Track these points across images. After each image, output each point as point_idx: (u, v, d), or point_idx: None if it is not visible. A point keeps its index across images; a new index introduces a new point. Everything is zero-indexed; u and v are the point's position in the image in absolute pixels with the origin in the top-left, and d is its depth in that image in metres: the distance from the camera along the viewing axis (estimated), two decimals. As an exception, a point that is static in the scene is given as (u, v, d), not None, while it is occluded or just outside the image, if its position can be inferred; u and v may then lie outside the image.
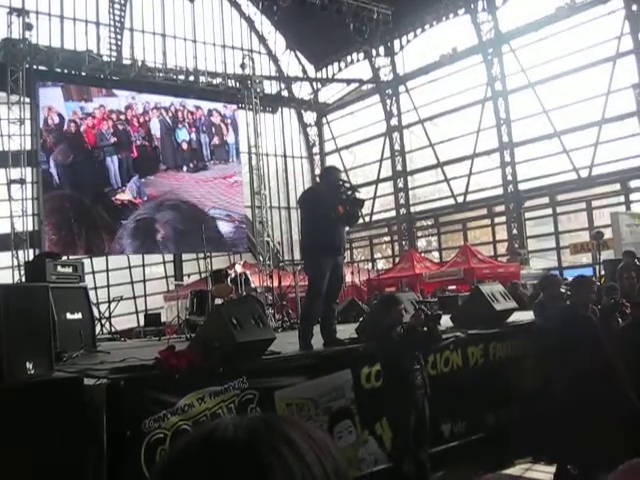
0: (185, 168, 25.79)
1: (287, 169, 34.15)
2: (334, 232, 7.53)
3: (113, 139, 24.03)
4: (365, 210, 26.32)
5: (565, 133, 24.95)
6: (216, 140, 26.82)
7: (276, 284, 16.58)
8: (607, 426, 5.93)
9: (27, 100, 22.13)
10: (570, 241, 23.88)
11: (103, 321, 14.38)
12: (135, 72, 24.69)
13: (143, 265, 27.97)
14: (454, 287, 21.60)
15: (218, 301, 12.55)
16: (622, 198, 23.90)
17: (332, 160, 32.93)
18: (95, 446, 4.83)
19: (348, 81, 32.66)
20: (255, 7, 30.85)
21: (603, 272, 14.04)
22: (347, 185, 7.90)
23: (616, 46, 23.40)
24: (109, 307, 15.02)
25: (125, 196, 23.99)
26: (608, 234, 18.81)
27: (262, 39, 32.94)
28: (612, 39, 23.45)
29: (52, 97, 23.08)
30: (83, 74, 23.97)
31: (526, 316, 9.17)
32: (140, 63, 25.38)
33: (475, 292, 9.45)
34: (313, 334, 7.45)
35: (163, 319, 18.64)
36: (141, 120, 24.83)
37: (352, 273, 21.18)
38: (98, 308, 14.81)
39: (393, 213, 31.58)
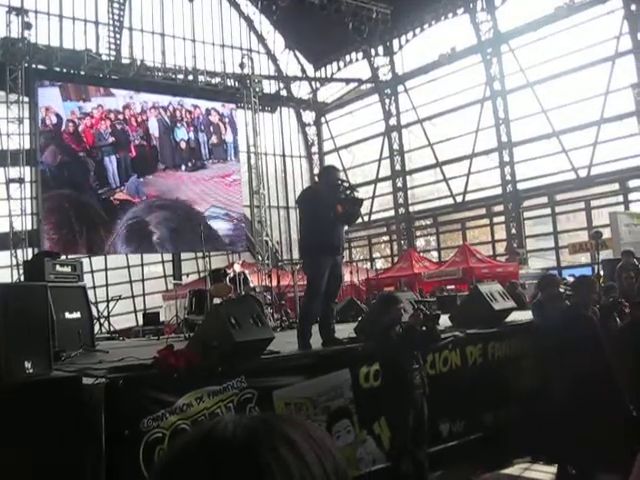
0: (183, 167, 25.78)
1: (286, 168, 34.15)
2: (333, 232, 7.53)
3: (111, 139, 24.02)
4: (364, 210, 26.27)
5: (564, 133, 24.96)
6: (214, 139, 26.81)
7: (275, 283, 16.57)
8: (606, 427, 5.93)
9: (26, 99, 22.12)
10: (569, 241, 23.90)
11: (102, 320, 14.39)
12: (134, 71, 24.69)
13: (142, 264, 27.95)
14: (453, 287, 21.61)
15: (217, 300, 12.53)
16: (621, 198, 23.93)
17: (331, 159, 32.94)
18: (93, 445, 4.82)
19: (347, 80, 32.67)
20: (254, 6, 30.85)
21: (602, 272, 14.03)
22: (346, 184, 7.90)
23: (615, 46, 23.42)
24: (108, 306, 15.04)
25: (124, 196, 23.96)
26: (607, 234, 18.80)
27: (261, 38, 32.93)
28: (611, 39, 23.47)
29: (50, 97, 23.04)
30: (82, 73, 23.96)
31: (525, 316, 9.17)
32: (139, 62, 25.38)
33: (474, 292, 9.45)
34: (312, 333, 7.44)
35: (162, 318, 18.62)
36: (139, 120, 24.82)
37: (351, 272, 21.20)
38: (97, 307, 14.82)
39: (392, 213, 31.59)
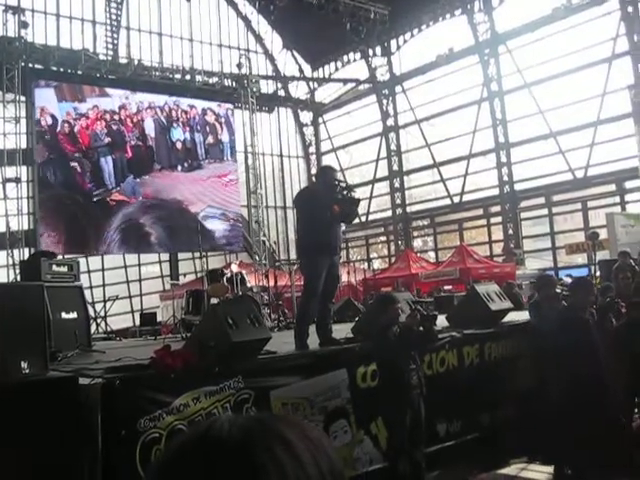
0: (180, 167, 25.75)
1: (283, 169, 34.15)
2: (330, 232, 7.53)
3: (107, 139, 23.96)
4: (361, 210, 26.32)
5: (561, 134, 24.99)
6: (210, 139, 26.78)
7: (272, 284, 16.57)
8: (602, 429, 5.94)
9: (22, 99, 22.09)
10: (566, 241, 23.92)
11: (99, 320, 14.37)
12: (131, 71, 24.67)
13: (139, 264, 27.94)
14: (450, 287, 21.62)
15: (214, 301, 12.54)
16: (617, 199, 23.97)
17: (328, 160, 32.94)
18: (90, 446, 4.82)
19: (345, 81, 32.68)
20: (252, 6, 30.87)
21: (598, 272, 14.05)
22: (343, 185, 7.90)
23: (612, 47, 23.46)
24: (104, 306, 15.01)
25: (120, 196, 23.93)
26: (603, 234, 18.83)
27: (259, 38, 32.93)
28: (608, 40, 23.51)
29: (45, 98, 22.98)
30: (79, 73, 23.91)
31: (521, 316, 9.17)
32: (136, 62, 25.36)
33: (471, 292, 9.45)
34: (309, 334, 7.44)
35: (159, 318, 18.63)
36: (135, 120, 24.77)
37: (348, 273, 21.23)
38: (94, 307, 14.77)
39: (389, 213, 31.60)
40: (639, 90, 21.91)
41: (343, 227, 8.30)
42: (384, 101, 31.24)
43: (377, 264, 32.37)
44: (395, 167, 31.11)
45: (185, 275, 22.53)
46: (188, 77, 26.65)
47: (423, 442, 6.86)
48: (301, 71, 34.01)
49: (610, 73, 23.49)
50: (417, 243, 31.89)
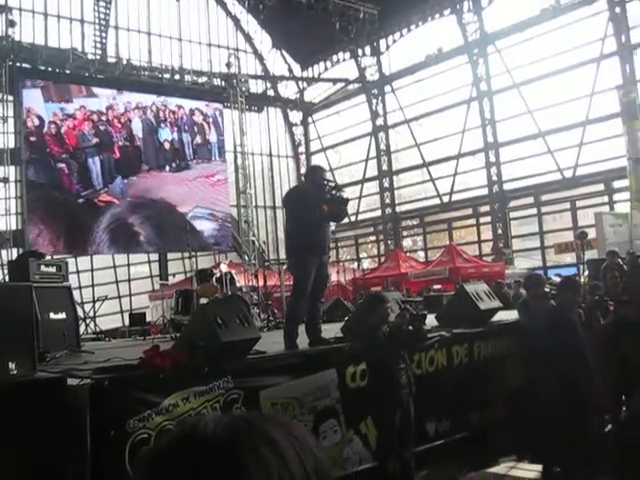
0: (168, 168, 25.67)
1: (273, 168, 34.12)
2: (319, 231, 7.53)
3: (95, 140, 23.84)
4: (351, 210, 26.28)
5: (550, 133, 25.08)
6: (198, 139, 26.71)
7: (261, 283, 16.57)
8: (590, 429, 5.97)
9: (10, 98, 21.99)
10: (554, 241, 24.00)
11: (87, 321, 14.30)
12: (120, 70, 24.60)
13: (128, 264, 27.86)
14: (439, 286, 21.65)
15: (203, 300, 12.52)
16: (606, 198, 24.07)
17: (318, 159, 32.94)
18: (79, 447, 4.80)
19: (334, 80, 32.68)
20: (241, 6, 30.75)
21: (587, 272, 14.11)
22: (332, 184, 7.91)
23: (600, 48, 23.55)
24: (94, 306, 14.94)
25: (108, 197, 23.82)
26: (592, 234, 18.91)
27: (248, 38, 32.89)
28: (596, 41, 23.60)
29: (32, 99, 22.81)
30: (67, 72, 23.82)
31: (510, 315, 9.20)
32: (125, 61, 25.30)
33: (460, 291, 9.47)
34: (298, 333, 7.44)
35: (148, 319, 18.58)
36: (122, 120, 24.68)
37: (338, 272, 21.24)
38: (82, 308, 14.74)
39: (379, 213, 31.63)
40: (627, 90, 22.01)
41: (332, 227, 8.31)
42: (373, 101, 31.26)
43: (366, 264, 32.32)
44: (384, 167, 31.15)
45: (174, 275, 22.40)
46: (177, 77, 26.61)
47: (412, 441, 6.88)
48: (290, 71, 33.98)
49: (598, 73, 23.59)
50: (406, 243, 31.93)
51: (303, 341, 7.41)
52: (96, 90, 24.41)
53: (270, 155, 34.20)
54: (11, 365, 5.09)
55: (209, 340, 5.96)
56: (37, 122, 22.79)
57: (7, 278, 13.81)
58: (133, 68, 25.47)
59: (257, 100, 31.89)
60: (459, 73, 27.94)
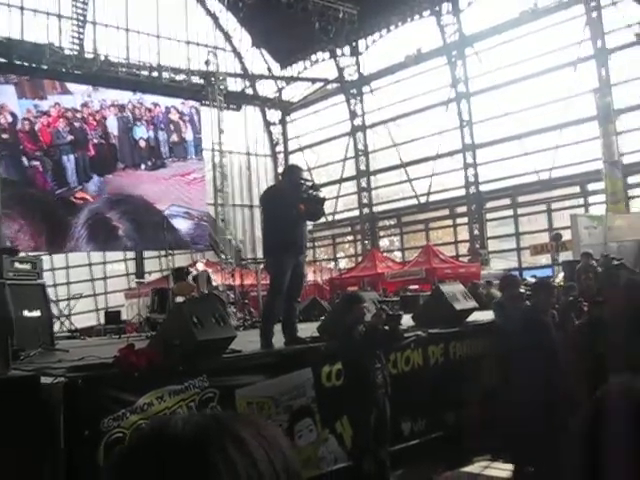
0: (143, 166, 25.45)
1: (250, 167, 34.03)
2: (296, 230, 7.54)
3: (70, 137, 23.54)
4: (328, 209, 26.35)
5: (526, 136, 25.25)
6: (174, 137, 26.51)
7: (238, 282, 16.55)
8: (564, 429, 6.01)
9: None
10: (530, 242, 24.15)
11: (62, 319, 14.22)
12: (97, 66, 24.42)
13: (104, 262, 27.72)
14: (416, 287, 21.72)
15: (179, 299, 12.48)
16: (581, 200, 24.29)
17: (296, 159, 32.91)
18: (52, 446, 4.77)
19: (313, 80, 32.67)
20: (220, 3, 30.68)
21: (562, 273, 14.23)
22: (309, 183, 7.92)
23: (577, 51, 23.75)
24: (68, 304, 14.88)
25: (84, 195, 23.57)
26: (567, 236, 19.09)
27: (227, 36, 32.77)
28: (573, 44, 23.79)
29: (5, 95, 22.44)
30: (44, 67, 23.59)
31: (486, 316, 9.26)
32: (102, 57, 25.11)
33: (436, 292, 9.52)
34: (274, 333, 7.44)
35: (124, 317, 18.49)
36: (97, 118, 24.41)
37: (314, 272, 21.26)
38: (57, 305, 14.64)
39: (356, 212, 31.67)
40: (603, 94, 22.23)
41: (309, 226, 8.32)
42: (352, 101, 31.31)
43: (343, 263, 32.45)
44: (362, 167, 31.20)
45: (150, 273, 22.37)
46: (155, 74, 26.47)
47: (388, 441, 6.90)
48: (269, 69, 33.93)
49: (575, 77, 23.78)
50: (383, 243, 32.01)
51: (279, 340, 7.41)
52: (71, 87, 24.11)
53: (248, 154, 34.11)
54: (-16, 363, 5.04)
55: (185, 339, 5.94)
56: (10, 119, 22.48)
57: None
58: (111, 64, 25.29)
59: (235, 98, 31.75)
60: (437, 74, 28.05)
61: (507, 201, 26.31)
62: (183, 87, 26.94)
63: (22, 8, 25.56)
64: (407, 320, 8.40)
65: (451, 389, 8.14)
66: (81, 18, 25.58)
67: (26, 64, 23.57)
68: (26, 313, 8.42)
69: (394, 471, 7.08)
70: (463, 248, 27.58)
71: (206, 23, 31.89)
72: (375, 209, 31.06)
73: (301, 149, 34.50)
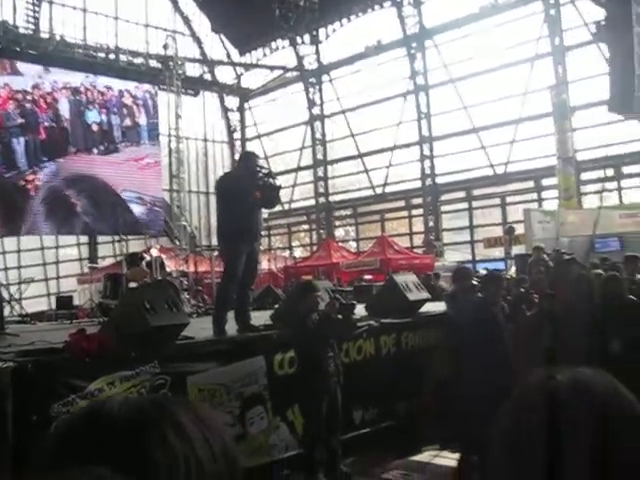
0: (96, 150, 24.95)
1: (207, 153, 33.78)
2: (250, 218, 7.52)
3: (20, 120, 22.90)
4: (284, 198, 26.32)
5: (483, 130, 25.51)
6: (127, 122, 26.04)
7: (192, 269, 16.47)
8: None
9: None
10: (484, 235, 24.43)
11: (12, 303, 14.00)
12: (53, 47, 23.96)
13: (57, 247, 27.33)
14: (370, 277, 21.81)
15: (132, 285, 12.38)
16: (535, 195, 24.67)
17: (253, 146, 32.73)
18: (0, 430, 4.70)
19: (272, 67, 32.51)
20: (180, -14, 30.37)
21: (514, 267, 14.43)
22: (265, 171, 7.91)
23: (535, 48, 24.03)
24: (19, 288, 14.65)
25: (34, 177, 23.03)
26: (520, 230, 19.35)
27: (186, 20, 32.42)
28: (531, 41, 24.06)
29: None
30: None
31: (439, 307, 9.35)
32: (58, 38, 24.66)
33: (389, 282, 9.57)
34: (227, 320, 7.42)
35: (76, 302, 18.27)
36: (49, 100, 23.81)
37: (269, 260, 21.23)
38: (8, 289, 14.40)
39: (312, 202, 31.68)
40: (559, 91, 22.54)
41: (265, 214, 8.32)
42: (311, 90, 31.24)
43: (299, 252, 32.45)
44: (319, 156, 31.19)
45: (104, 258, 22.10)
46: (112, 56, 26.07)
47: (339, 429, 6.95)
48: (228, 56, 33.65)
49: (532, 73, 24.09)
50: (339, 232, 32.09)
51: (232, 328, 7.40)
52: (21, 68, 23.43)
53: (205, 140, 33.86)
54: None
55: (137, 324, 5.91)
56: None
57: None
58: (67, 45, 24.83)
59: (193, 84, 31.44)
60: (397, 66, 28.15)
61: (462, 194, 26.56)
62: (140, 71, 26.59)
63: (-25, -16, 24.96)
64: (360, 310, 8.45)
65: (403, 379, 8.22)
66: (37, -4, 25.07)
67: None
68: (-25, 296, 8.28)
69: (345, 459, 7.14)
70: (418, 239, 27.77)
71: (165, 6, 31.50)
72: (331, 199, 31.09)
73: (259, 137, 34.35)
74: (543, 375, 1.02)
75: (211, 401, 6.31)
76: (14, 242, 25.06)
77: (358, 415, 7.89)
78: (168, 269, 15.24)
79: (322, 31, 30.20)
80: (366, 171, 29.69)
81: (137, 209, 25.65)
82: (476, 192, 26.15)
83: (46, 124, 23.60)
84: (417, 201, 27.89)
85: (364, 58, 28.76)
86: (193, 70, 31.47)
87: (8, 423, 4.73)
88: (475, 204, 26.37)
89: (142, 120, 26.45)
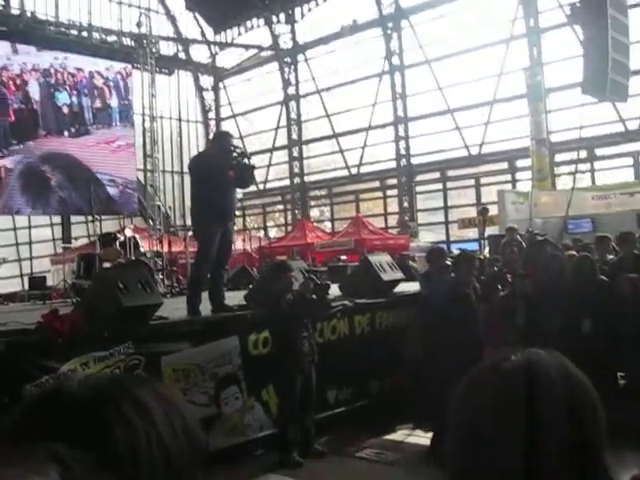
0: (66, 133, 24.49)
1: (182, 133, 33.57)
2: (224, 197, 7.49)
3: (-12, 102, 22.51)
4: (259, 178, 26.22)
5: (458, 111, 25.56)
6: (98, 103, 25.64)
7: (166, 249, 16.38)
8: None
9: None
10: (458, 216, 24.56)
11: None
12: (23, 23, 23.58)
13: (29, 227, 27.07)
14: (345, 257, 21.85)
15: (106, 265, 12.31)
16: (509, 176, 24.83)
17: (228, 126, 32.57)
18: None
19: (247, 47, 32.25)
20: (154, -37, 29.98)
21: (488, 247, 14.51)
22: (239, 150, 7.88)
23: (510, 29, 24.08)
24: (-9, 269, 14.51)
25: (4, 163, 22.61)
26: (494, 211, 19.46)
27: (160, -3, 32.08)
28: (507, 22, 24.11)
29: None
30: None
31: (413, 287, 9.39)
32: (29, 14, 24.25)
33: (364, 262, 9.60)
34: (201, 300, 7.41)
35: (49, 283, 18.16)
36: (18, 82, 23.34)
37: (244, 240, 21.15)
38: (-21, 270, 14.28)
39: (287, 182, 31.63)
40: (534, 72, 22.62)
41: (240, 194, 8.30)
42: (286, 69, 31.09)
43: (273, 232, 32.41)
44: (294, 136, 31.11)
45: (77, 239, 21.89)
46: (85, 34, 25.71)
47: (313, 409, 6.99)
48: (203, 34, 33.35)
49: (507, 54, 24.16)
50: (314, 213, 32.08)
51: (206, 308, 7.39)
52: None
53: (179, 120, 33.63)
54: None
55: (110, 305, 5.89)
56: None
57: None
58: (38, 22, 24.45)
59: (168, 62, 31.14)
60: (373, 46, 28.07)
61: (437, 175, 26.65)
62: (114, 49, 26.25)
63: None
64: (335, 290, 8.47)
65: (377, 359, 8.27)
66: (7, -29, 24.62)
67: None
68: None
69: (319, 438, 7.19)
70: (392, 220, 27.85)
71: (139, -17, 31.10)
72: (306, 179, 31.05)
73: (234, 116, 34.16)
74: (499, 356, 1.03)
75: (185, 381, 6.32)
76: (-15, 222, 24.80)
77: (332, 395, 7.94)
78: (142, 249, 15.12)
79: (297, 10, 30.03)
80: (341, 151, 29.67)
81: (110, 191, 25.35)
82: (451, 173, 26.25)
83: (15, 106, 23.10)
84: (392, 182, 27.93)
85: (339, 38, 28.61)
86: (167, 49, 31.15)
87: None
88: (450, 185, 26.48)
89: (113, 102, 25.98)
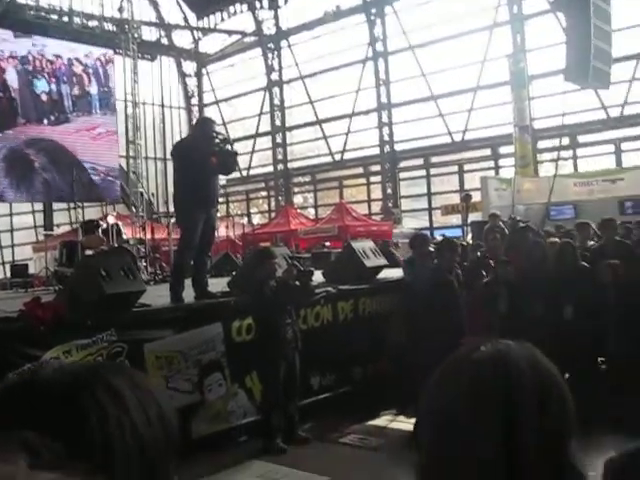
0: (46, 121, 24.19)
1: (164, 119, 33.37)
2: (207, 184, 7.47)
3: (-36, 90, 22.16)
4: (242, 164, 26.16)
5: (441, 97, 25.58)
6: (77, 91, 25.34)
7: (149, 236, 16.31)
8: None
9: None
10: (441, 202, 24.62)
11: (-35, 270, 13.80)
12: (3, 7, 23.29)
13: (11, 214, 26.89)
14: (329, 244, 21.85)
15: (89, 252, 12.25)
16: (492, 163, 24.90)
17: (211, 112, 32.43)
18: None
19: (230, 32, 32.05)
20: (135, -52, 29.64)
21: (470, 234, 14.57)
22: (221, 137, 7.85)
23: (494, 16, 24.09)
24: (-29, 256, 14.40)
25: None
26: (477, 197, 19.53)
27: (142, -18, 31.77)
28: (490, 9, 24.11)
29: None
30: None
31: (396, 274, 9.42)
32: (9, -2, 23.98)
33: (347, 248, 9.61)
34: (184, 287, 7.40)
35: (31, 270, 18.06)
36: (-5, 70, 22.99)
37: (227, 227, 21.07)
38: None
39: (270, 168, 31.57)
40: (517, 59, 22.66)
41: (223, 181, 8.27)
42: (269, 55, 30.96)
43: (257, 219, 32.38)
44: (278, 122, 31.02)
45: (59, 226, 21.77)
46: (66, 19, 25.43)
47: (297, 395, 7.00)
48: (186, 20, 33.10)
49: (491, 41, 24.17)
50: (297, 199, 32.05)
51: (189, 295, 7.38)
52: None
53: (162, 106, 33.42)
54: None
55: (93, 292, 5.87)
56: None
57: None
58: (17, 6, 24.15)
59: (150, 48, 30.87)
60: (356, 32, 28.00)
61: (420, 161, 26.69)
62: (95, 34, 25.94)
63: None
64: (318, 276, 8.48)
65: (360, 345, 8.30)
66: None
67: None
68: None
69: (303, 424, 7.21)
70: (376, 206, 27.89)
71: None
72: (290, 165, 31.01)
73: (217, 102, 34.00)
74: (472, 345, 1.05)
75: (168, 368, 6.32)
76: (-34, 210, 24.61)
77: (316, 381, 7.96)
78: (125, 236, 15.07)
79: (281, -5, 29.88)
80: (325, 138, 29.64)
81: (93, 178, 25.14)
82: (434, 159, 26.30)
83: (-7, 94, 22.79)
84: (375, 168, 27.96)
85: (323, 24, 28.52)
86: (150, 34, 30.90)
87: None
88: (433, 171, 26.54)
89: (93, 89, 25.64)
